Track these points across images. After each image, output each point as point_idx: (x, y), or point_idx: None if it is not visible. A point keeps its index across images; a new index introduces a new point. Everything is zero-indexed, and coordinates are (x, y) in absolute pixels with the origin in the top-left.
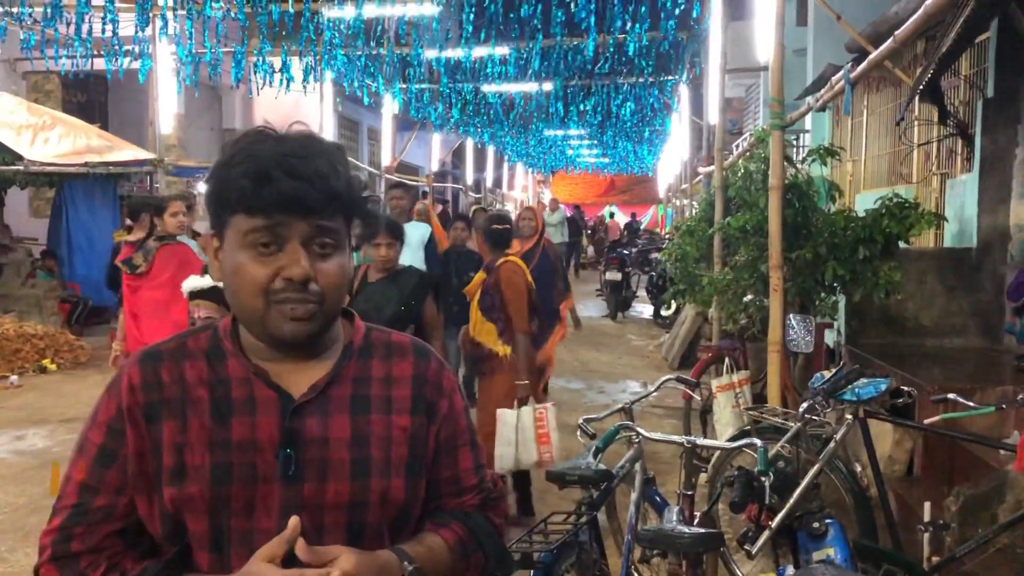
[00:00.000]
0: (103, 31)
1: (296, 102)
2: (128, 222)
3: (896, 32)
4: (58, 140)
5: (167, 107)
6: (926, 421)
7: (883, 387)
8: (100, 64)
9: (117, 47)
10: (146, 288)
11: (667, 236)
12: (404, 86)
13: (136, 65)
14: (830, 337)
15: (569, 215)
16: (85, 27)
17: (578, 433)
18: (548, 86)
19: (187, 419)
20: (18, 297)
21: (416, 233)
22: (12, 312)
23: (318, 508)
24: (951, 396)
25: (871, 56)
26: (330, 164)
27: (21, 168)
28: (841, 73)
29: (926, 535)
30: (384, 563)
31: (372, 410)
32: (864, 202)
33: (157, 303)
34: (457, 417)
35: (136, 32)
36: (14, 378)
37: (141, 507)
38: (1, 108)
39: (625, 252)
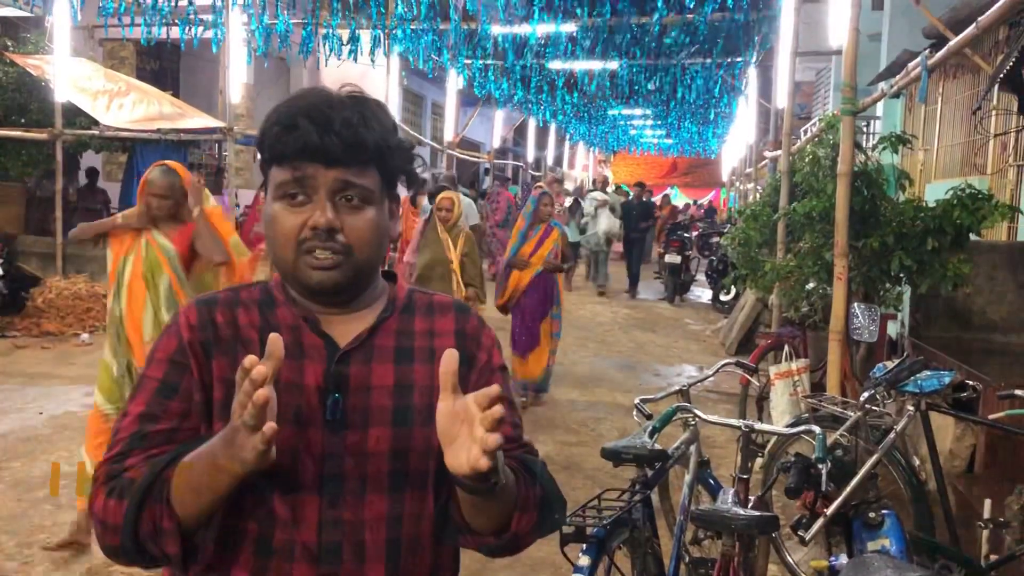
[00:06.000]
0: (177, 0)
1: (363, 75)
2: None
3: (979, 18)
4: (132, 106)
5: (237, 77)
6: (991, 416)
7: (947, 380)
8: (173, 33)
9: (192, 16)
10: None
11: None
12: (469, 61)
13: (209, 34)
14: (893, 329)
15: (626, 199)
16: None
17: (634, 413)
18: (613, 65)
19: (237, 357)
20: (91, 258)
21: None
22: (85, 272)
23: (360, 455)
24: (1018, 392)
25: (951, 43)
26: (361, 115)
27: (96, 132)
28: (918, 59)
29: (985, 532)
30: None
31: (415, 360)
32: (935, 192)
33: None
34: (493, 370)
35: (212, 1)
36: (85, 336)
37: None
38: (79, 74)
39: (686, 235)
